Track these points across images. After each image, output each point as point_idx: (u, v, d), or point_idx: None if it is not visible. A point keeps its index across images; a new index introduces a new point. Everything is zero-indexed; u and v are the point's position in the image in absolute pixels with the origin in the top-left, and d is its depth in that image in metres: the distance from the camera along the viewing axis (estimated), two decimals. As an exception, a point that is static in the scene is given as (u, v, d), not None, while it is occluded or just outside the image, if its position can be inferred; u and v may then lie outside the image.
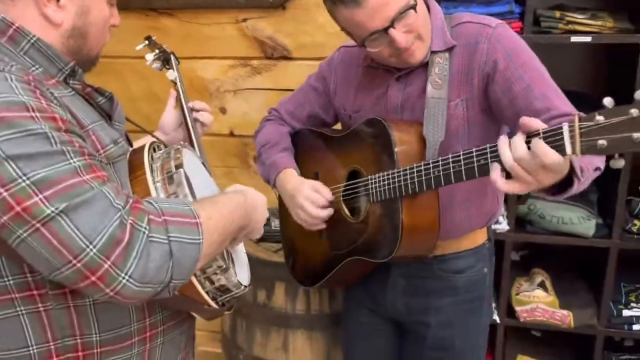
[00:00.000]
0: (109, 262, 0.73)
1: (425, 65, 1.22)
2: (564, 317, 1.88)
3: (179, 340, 1.05)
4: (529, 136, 0.91)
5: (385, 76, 1.28)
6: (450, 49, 1.21)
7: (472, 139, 1.22)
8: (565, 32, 1.68)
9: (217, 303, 0.99)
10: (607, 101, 0.82)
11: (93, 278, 0.73)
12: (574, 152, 0.86)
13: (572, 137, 0.86)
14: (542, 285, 1.98)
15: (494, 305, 1.92)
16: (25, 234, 0.73)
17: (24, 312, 0.86)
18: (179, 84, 1.34)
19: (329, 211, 1.33)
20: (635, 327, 1.85)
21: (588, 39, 1.66)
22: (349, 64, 1.37)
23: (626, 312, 1.86)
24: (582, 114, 0.87)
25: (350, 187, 1.32)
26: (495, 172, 0.96)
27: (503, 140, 0.94)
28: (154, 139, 1.09)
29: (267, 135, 1.47)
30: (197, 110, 1.34)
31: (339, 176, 1.35)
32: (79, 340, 0.89)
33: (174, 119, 1.34)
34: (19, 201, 0.72)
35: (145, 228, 0.76)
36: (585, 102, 1.23)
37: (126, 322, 0.92)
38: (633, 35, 1.64)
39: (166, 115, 1.35)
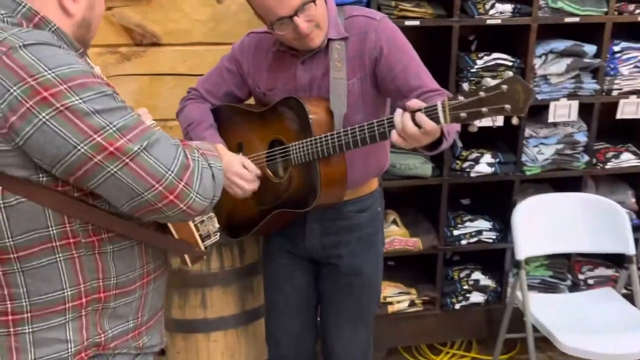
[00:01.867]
0: (182, 183, 0.95)
1: (325, 52, 1.52)
2: (415, 243, 2.40)
3: (161, 289, 1.23)
4: (414, 112, 1.25)
5: (292, 60, 1.56)
6: (345, 38, 1.52)
7: (367, 110, 1.55)
8: (399, 17, 2.14)
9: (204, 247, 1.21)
10: (465, 86, 1.23)
11: (171, 197, 0.94)
12: (445, 121, 1.21)
13: (443, 111, 1.20)
14: (394, 222, 2.47)
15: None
16: (116, 169, 0.91)
17: (61, 258, 0.99)
18: None
19: (257, 183, 1.56)
20: (463, 242, 2.45)
21: (416, 22, 2.13)
22: (260, 48, 1.62)
23: (456, 232, 2.44)
24: (444, 92, 1.26)
25: (272, 153, 1.58)
26: (394, 136, 1.29)
27: (398, 114, 1.28)
28: None
29: (191, 113, 1.65)
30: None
31: (261, 145, 1.60)
32: (101, 283, 1.05)
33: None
34: (110, 143, 0.90)
35: (197, 157, 0.99)
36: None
37: (132, 268, 1.10)
38: (447, 20, 2.16)
39: None
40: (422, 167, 2.31)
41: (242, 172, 1.53)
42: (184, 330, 1.95)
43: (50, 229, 0.97)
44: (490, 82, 1.14)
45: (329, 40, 1.52)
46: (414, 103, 1.25)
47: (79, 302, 1.02)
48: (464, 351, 2.69)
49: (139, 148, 0.92)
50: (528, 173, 2.38)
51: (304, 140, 1.48)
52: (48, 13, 0.98)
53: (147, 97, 2.34)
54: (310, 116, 1.46)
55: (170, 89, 2.35)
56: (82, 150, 0.90)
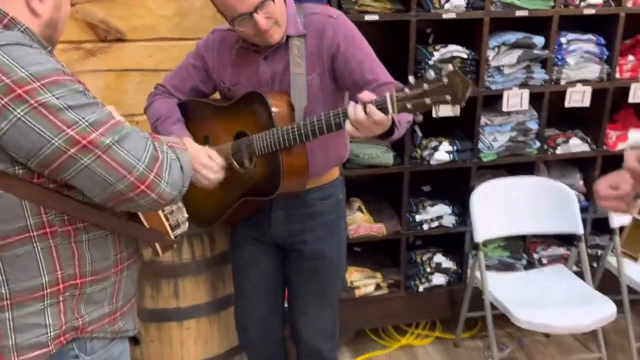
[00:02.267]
0: (153, 174, 1.01)
1: (286, 48, 1.59)
2: (379, 229, 2.50)
3: (134, 277, 1.30)
4: (365, 103, 1.31)
5: (255, 56, 1.62)
6: (304, 35, 1.58)
7: (326, 102, 1.63)
8: (359, 12, 2.22)
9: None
10: (411, 79, 1.29)
11: (142, 187, 1.01)
12: (393, 112, 1.29)
13: (392, 103, 1.28)
14: (359, 209, 2.57)
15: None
16: (89, 161, 0.97)
17: (39, 247, 1.05)
18: None
19: (222, 174, 1.62)
20: (425, 226, 2.56)
21: (376, 17, 2.22)
22: (224, 45, 1.68)
23: (418, 217, 2.56)
24: (399, 85, 1.34)
25: (238, 145, 1.65)
26: (348, 126, 1.37)
27: (351, 106, 1.36)
28: None
29: (158, 109, 1.70)
30: None
31: (226, 137, 1.67)
32: (77, 270, 1.11)
33: None
34: (83, 137, 0.96)
35: (166, 150, 1.06)
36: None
37: (106, 256, 1.16)
38: (404, 14, 2.25)
39: None
40: (384, 156, 2.41)
41: (208, 163, 1.58)
42: (157, 319, 2.00)
43: (28, 219, 1.02)
44: (432, 74, 1.23)
45: (289, 37, 1.59)
46: (366, 95, 1.33)
47: (56, 288, 1.08)
48: (428, 331, 2.82)
49: (110, 141, 0.98)
50: (484, 159, 2.50)
51: (267, 132, 1.55)
52: (17, 14, 1.03)
53: (113, 93, 2.36)
54: (272, 109, 1.53)
55: (136, 85, 2.38)
56: (56, 144, 0.95)
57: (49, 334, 1.09)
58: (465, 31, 2.42)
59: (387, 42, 2.42)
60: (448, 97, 1.22)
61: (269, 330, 1.90)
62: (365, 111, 1.31)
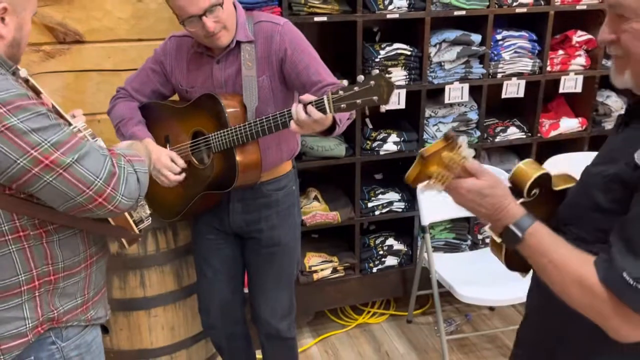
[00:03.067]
0: (110, 188, 1.13)
1: (237, 53, 1.72)
2: (334, 216, 2.66)
3: (103, 269, 1.42)
4: (306, 104, 1.48)
5: (209, 60, 1.75)
6: (252, 41, 1.71)
7: (277, 102, 1.77)
8: (309, 13, 2.35)
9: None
10: (344, 82, 1.47)
11: (100, 200, 1.13)
12: (330, 111, 1.46)
13: (328, 103, 1.44)
14: (316, 198, 2.73)
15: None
16: (51, 178, 1.08)
17: (14, 249, 1.17)
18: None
19: (182, 175, 1.76)
20: (377, 212, 2.74)
21: (324, 18, 2.36)
22: (180, 50, 1.80)
23: (370, 204, 2.73)
24: (338, 84, 1.50)
25: (196, 143, 1.78)
26: (292, 125, 1.53)
27: (294, 107, 1.51)
28: None
29: (121, 111, 1.81)
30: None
31: (185, 136, 1.80)
32: (51, 268, 1.23)
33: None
34: (46, 157, 1.07)
35: (123, 165, 1.18)
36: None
37: (76, 253, 1.28)
38: (351, 15, 2.40)
39: None
40: (337, 148, 2.57)
41: (169, 164, 1.73)
42: (126, 308, 2.11)
43: (2, 225, 1.14)
44: (362, 78, 1.39)
45: (239, 42, 1.71)
46: (306, 97, 1.48)
47: (32, 285, 1.20)
48: (383, 309, 3.02)
49: (71, 160, 1.09)
50: (429, 149, 2.69)
51: (222, 131, 1.69)
52: None
53: (73, 93, 2.43)
54: (226, 110, 1.67)
55: (96, 84, 2.46)
56: (22, 164, 1.06)
57: (27, 326, 1.21)
58: (408, 29, 2.59)
59: (336, 41, 2.57)
60: (375, 98, 1.39)
61: (229, 312, 2.04)
62: (305, 111, 1.46)
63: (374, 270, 2.81)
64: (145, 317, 2.13)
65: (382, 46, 2.50)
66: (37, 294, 1.22)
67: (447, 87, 2.60)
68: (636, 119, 1.05)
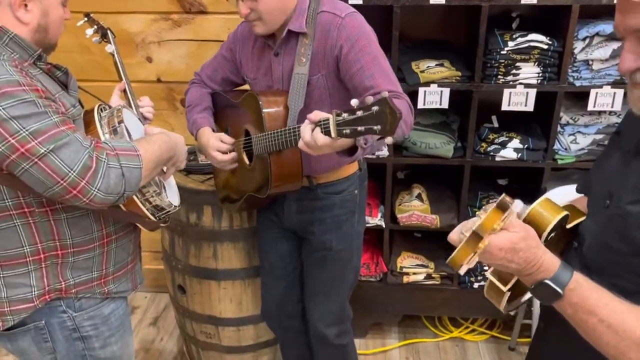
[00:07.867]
0: (84, 181, 1.14)
1: (294, 46, 1.57)
2: (433, 220, 2.42)
3: (127, 247, 1.47)
4: (316, 124, 1.25)
5: (269, 51, 1.65)
6: (305, 33, 1.54)
7: (334, 102, 1.59)
8: (426, -5, 2.09)
9: (156, 218, 1.41)
10: (354, 102, 1.18)
11: (74, 192, 1.14)
12: (335, 136, 1.20)
13: (333, 126, 1.19)
14: (419, 196, 2.51)
15: (380, 214, 2.44)
16: (27, 166, 1.12)
17: (18, 223, 1.25)
18: (116, 55, 1.66)
19: (232, 155, 1.72)
20: (485, 224, 2.42)
21: (442, 1, 2.08)
22: (249, 37, 1.72)
23: (478, 213, 2.42)
24: (405, 96, 1.31)
25: (245, 141, 1.72)
26: (299, 144, 1.30)
27: (303, 124, 1.29)
28: (101, 103, 1.45)
29: (191, 97, 1.84)
30: (142, 106, 1.64)
31: (240, 132, 1.75)
32: (58, 243, 1.30)
33: (117, 101, 1.64)
34: (22, 145, 1.11)
35: (105, 159, 1.17)
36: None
37: (89, 231, 1.34)
38: (476, -1, 2.08)
39: (112, 98, 1.65)
40: (443, 147, 2.30)
41: (218, 144, 1.69)
42: (199, 276, 2.22)
43: (6, 201, 1.22)
44: (369, 100, 1.15)
45: (295, 33, 1.57)
46: (313, 115, 1.26)
47: (37, 257, 1.29)
48: (485, 328, 2.72)
49: (45, 150, 1.11)
50: (560, 162, 2.26)
51: (259, 135, 1.59)
52: (5, 23, 1.19)
53: (195, 61, 2.54)
54: (264, 111, 1.56)
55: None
56: (1, 149, 1.11)
57: (33, 293, 1.31)
58: (551, 18, 2.15)
59: (458, 28, 2.25)
60: (377, 128, 1.13)
61: (284, 306, 2.01)
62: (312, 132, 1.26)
63: (475, 285, 2.52)
64: (216, 287, 2.21)
65: (514, 36, 2.12)
66: (43, 266, 1.31)
67: (592, 91, 2.13)
68: None
